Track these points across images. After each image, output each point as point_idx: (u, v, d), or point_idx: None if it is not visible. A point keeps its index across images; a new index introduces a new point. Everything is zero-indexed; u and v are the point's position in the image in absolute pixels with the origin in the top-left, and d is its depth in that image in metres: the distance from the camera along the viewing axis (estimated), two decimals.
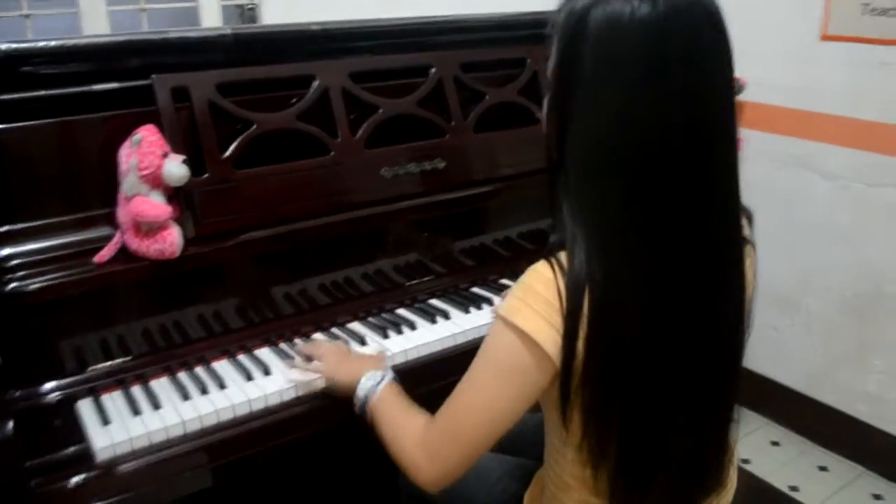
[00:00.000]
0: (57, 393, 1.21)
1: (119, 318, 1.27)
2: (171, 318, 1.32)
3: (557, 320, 0.88)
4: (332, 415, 1.24)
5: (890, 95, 2.06)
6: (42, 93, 1.26)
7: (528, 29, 1.81)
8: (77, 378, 1.24)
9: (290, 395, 1.25)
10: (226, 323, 1.38)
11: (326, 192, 1.44)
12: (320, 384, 1.25)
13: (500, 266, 1.69)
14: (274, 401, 1.23)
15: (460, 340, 1.43)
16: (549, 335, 0.89)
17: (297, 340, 1.41)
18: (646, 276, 0.89)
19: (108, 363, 1.27)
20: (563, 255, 0.90)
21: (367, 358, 1.27)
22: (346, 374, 1.19)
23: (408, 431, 1.03)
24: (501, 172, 1.65)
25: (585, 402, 0.92)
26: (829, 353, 2.30)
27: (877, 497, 2.23)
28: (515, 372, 0.92)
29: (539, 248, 1.70)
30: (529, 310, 0.90)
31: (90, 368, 1.25)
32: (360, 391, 1.13)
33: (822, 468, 2.34)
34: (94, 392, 1.23)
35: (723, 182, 0.92)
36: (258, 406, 1.22)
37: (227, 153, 1.34)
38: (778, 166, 2.36)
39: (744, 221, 0.98)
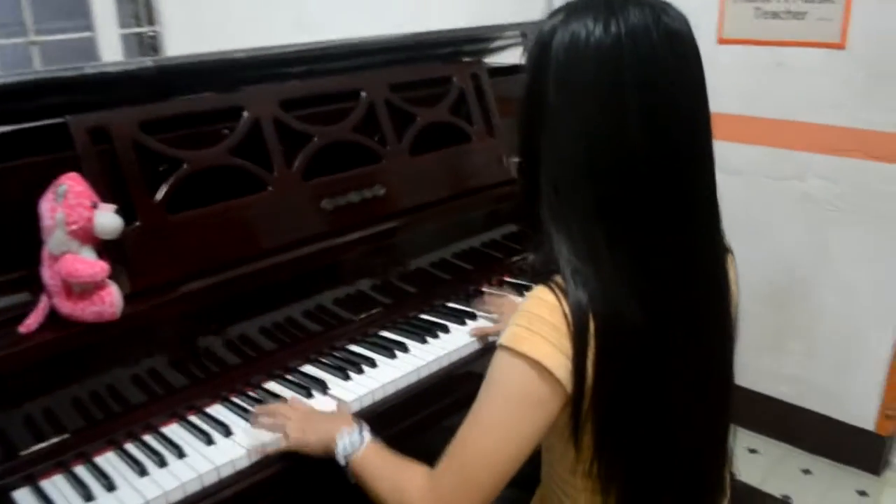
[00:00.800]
0: None
1: (50, 391, 1.13)
2: (107, 384, 1.18)
3: (566, 344, 0.85)
4: (313, 469, 1.14)
5: (786, 93, 2.17)
6: None
7: (446, 47, 1.79)
8: (8, 465, 1.08)
9: (259, 456, 1.14)
10: (169, 383, 1.25)
11: (267, 231, 1.34)
12: (287, 444, 1.14)
13: (445, 290, 1.64)
14: (243, 464, 1.13)
15: (424, 374, 1.37)
16: (559, 360, 0.86)
17: (250, 392, 1.30)
18: (640, 294, 0.87)
19: (43, 444, 1.12)
20: (559, 279, 0.88)
21: (332, 415, 1.18)
22: (317, 436, 1.10)
23: (409, 486, 0.96)
24: (441, 193, 1.60)
25: (598, 424, 0.89)
26: (751, 342, 2.39)
27: (805, 471, 2.35)
28: (529, 404, 0.88)
29: (478, 266, 1.74)
30: (537, 337, 0.86)
31: (22, 453, 1.10)
32: (340, 454, 1.05)
33: (753, 450, 2.44)
34: (32, 479, 1.08)
35: (697, 198, 0.91)
36: (227, 472, 1.11)
37: (158, 197, 1.22)
38: None
39: None
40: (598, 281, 0.86)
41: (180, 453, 1.13)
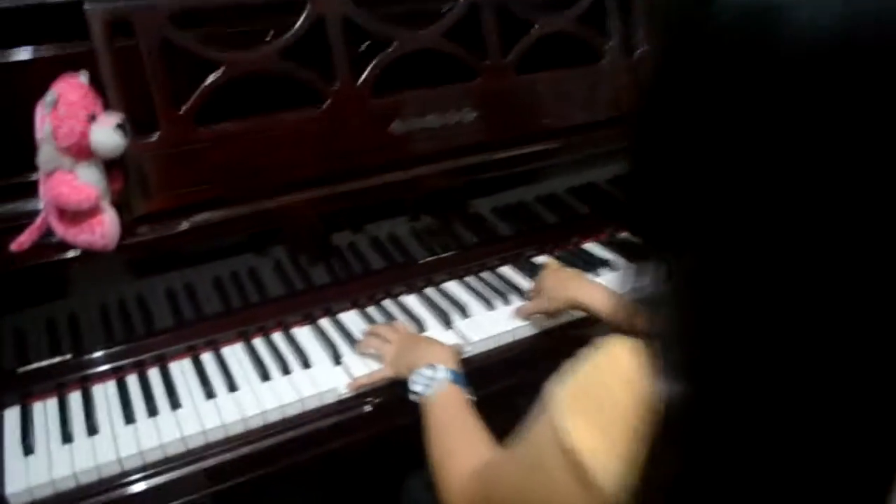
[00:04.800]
0: None
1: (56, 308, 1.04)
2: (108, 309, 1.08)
3: (620, 435, 0.54)
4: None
5: None
6: None
7: None
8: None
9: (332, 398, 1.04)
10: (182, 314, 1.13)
11: (319, 155, 1.13)
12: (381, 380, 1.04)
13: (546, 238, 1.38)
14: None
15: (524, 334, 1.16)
16: (610, 464, 0.55)
17: (277, 334, 1.16)
18: None
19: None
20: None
21: (437, 346, 1.03)
22: (412, 363, 0.98)
23: (451, 468, 0.80)
24: (552, 124, 1.30)
25: None
26: None
27: None
28: (556, 490, 0.60)
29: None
30: (594, 430, 0.56)
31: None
32: (416, 384, 0.94)
33: None
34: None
35: None
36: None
37: (186, 106, 1.04)
38: None
39: None
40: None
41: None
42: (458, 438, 0.84)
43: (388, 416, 1.05)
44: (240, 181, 1.08)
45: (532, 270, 1.28)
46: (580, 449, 0.56)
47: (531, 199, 1.35)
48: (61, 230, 0.95)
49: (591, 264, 1.31)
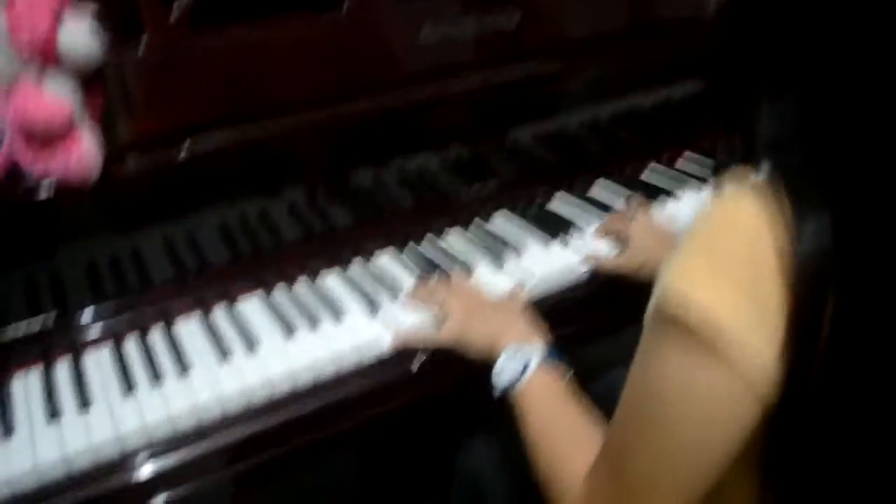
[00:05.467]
0: None
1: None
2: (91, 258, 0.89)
3: (772, 305, 0.46)
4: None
5: None
6: None
7: None
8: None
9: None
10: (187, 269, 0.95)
11: (336, 65, 0.94)
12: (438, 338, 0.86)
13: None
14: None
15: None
16: (759, 341, 0.46)
17: (302, 282, 0.98)
18: None
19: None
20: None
21: (515, 317, 0.84)
22: (482, 337, 0.81)
23: (565, 473, 0.63)
24: (604, 27, 1.11)
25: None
26: None
27: None
28: (703, 396, 0.49)
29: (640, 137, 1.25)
30: (724, 282, 0.46)
31: None
32: (502, 375, 0.75)
33: None
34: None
35: None
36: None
37: (180, 6, 0.84)
38: None
39: None
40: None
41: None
42: (565, 437, 0.68)
43: (438, 377, 0.88)
44: (245, 98, 0.90)
45: (589, 205, 1.11)
46: (716, 317, 0.46)
47: (586, 120, 1.17)
48: (29, 159, 0.76)
49: (651, 193, 1.14)
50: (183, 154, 0.85)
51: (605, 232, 1.03)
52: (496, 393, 0.75)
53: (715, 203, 0.49)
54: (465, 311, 0.86)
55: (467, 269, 0.98)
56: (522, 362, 0.74)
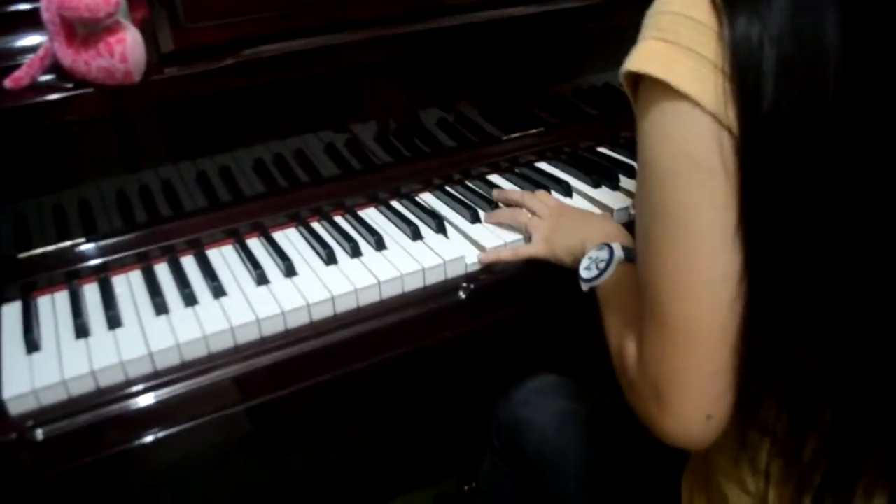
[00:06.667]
0: None
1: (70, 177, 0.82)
2: (140, 179, 0.85)
3: (713, 47, 0.48)
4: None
5: None
6: None
7: None
8: None
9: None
10: (233, 189, 0.91)
11: None
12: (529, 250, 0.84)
13: None
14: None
15: None
16: (709, 81, 0.48)
17: (325, 222, 0.94)
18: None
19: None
20: None
21: (602, 221, 0.84)
22: (566, 246, 0.80)
23: (630, 350, 0.59)
24: None
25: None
26: None
27: None
28: (680, 158, 0.50)
29: None
30: (665, 46, 0.50)
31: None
32: (590, 269, 0.73)
33: None
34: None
35: None
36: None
37: None
38: None
39: None
40: None
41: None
42: (627, 323, 0.64)
43: (487, 309, 0.83)
44: (294, 15, 0.85)
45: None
46: (670, 79, 0.49)
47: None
48: (71, 57, 0.73)
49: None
50: (233, 61, 0.81)
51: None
52: (583, 286, 0.73)
53: None
54: (558, 221, 0.85)
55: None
56: (607, 256, 0.71)
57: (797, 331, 0.50)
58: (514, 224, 0.88)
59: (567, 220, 0.85)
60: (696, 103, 0.48)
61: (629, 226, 0.90)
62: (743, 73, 0.47)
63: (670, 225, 0.51)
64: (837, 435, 0.52)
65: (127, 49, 0.71)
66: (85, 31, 0.72)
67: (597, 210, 0.93)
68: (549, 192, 0.97)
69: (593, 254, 0.73)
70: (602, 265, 0.71)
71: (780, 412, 0.54)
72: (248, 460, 1.12)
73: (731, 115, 0.47)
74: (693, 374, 0.53)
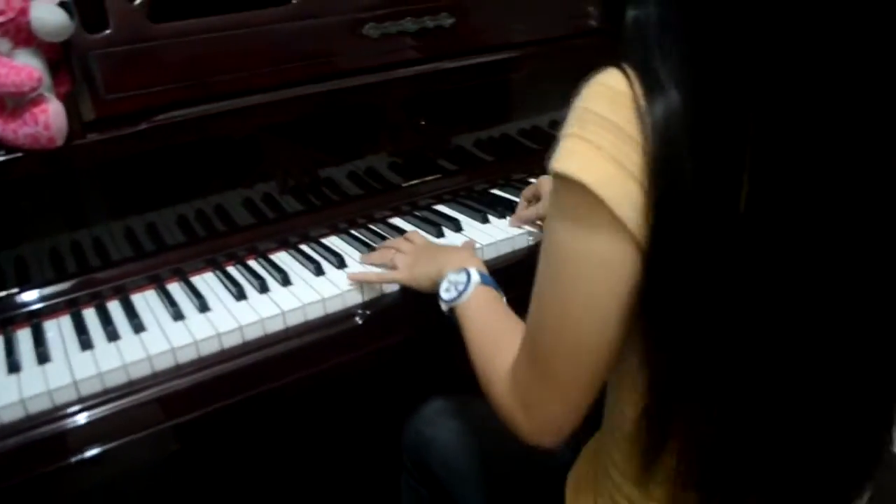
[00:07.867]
0: None
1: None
2: (69, 234, 0.96)
3: (634, 159, 0.52)
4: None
5: None
6: None
7: None
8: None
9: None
10: (142, 244, 1.01)
11: (286, 57, 1.03)
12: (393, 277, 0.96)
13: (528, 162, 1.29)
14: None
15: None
16: (622, 187, 0.52)
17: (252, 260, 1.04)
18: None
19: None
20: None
21: (459, 251, 0.95)
22: (426, 271, 0.90)
23: (496, 366, 0.69)
24: (534, 33, 1.23)
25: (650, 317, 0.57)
26: None
27: None
28: (583, 254, 0.56)
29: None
30: (588, 148, 0.53)
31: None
32: (448, 291, 0.82)
33: None
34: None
35: None
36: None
37: None
38: None
39: None
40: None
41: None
42: (500, 335, 0.74)
43: (380, 332, 0.94)
44: (200, 85, 0.98)
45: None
46: (592, 181, 0.53)
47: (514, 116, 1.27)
48: (0, 126, 0.84)
49: None
50: (144, 127, 0.93)
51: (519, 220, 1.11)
52: (443, 306, 0.82)
53: (595, 79, 0.55)
54: (418, 254, 0.95)
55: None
56: (465, 279, 0.81)
57: (692, 400, 0.57)
58: (385, 261, 0.99)
59: (427, 252, 0.95)
60: (610, 210, 0.52)
61: (518, 250, 1.04)
62: (660, 187, 0.51)
63: (569, 306, 0.58)
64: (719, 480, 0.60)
65: (50, 118, 0.83)
66: (13, 104, 0.83)
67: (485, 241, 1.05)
68: (442, 229, 1.09)
69: (451, 277, 0.83)
70: (461, 287, 0.80)
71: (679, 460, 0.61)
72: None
73: (641, 226, 0.52)
74: (559, 404, 0.63)
